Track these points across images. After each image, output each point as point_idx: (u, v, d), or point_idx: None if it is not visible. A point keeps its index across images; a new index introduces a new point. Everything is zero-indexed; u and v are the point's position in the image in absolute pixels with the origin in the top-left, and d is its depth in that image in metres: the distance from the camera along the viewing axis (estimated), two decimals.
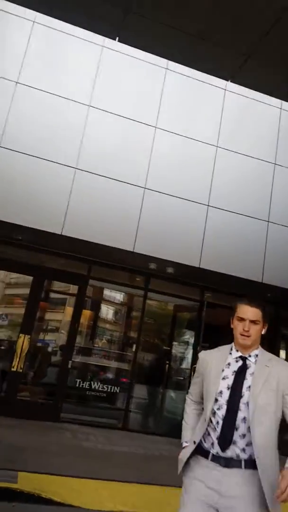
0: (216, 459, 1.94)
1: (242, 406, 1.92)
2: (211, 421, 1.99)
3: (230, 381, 1.99)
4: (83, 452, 5.28)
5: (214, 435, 1.97)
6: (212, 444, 1.97)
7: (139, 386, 7.41)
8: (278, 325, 8.12)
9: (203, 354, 2.23)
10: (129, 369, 7.33)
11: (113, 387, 7.12)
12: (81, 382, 6.92)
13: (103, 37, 6.74)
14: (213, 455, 1.95)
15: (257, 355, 2.05)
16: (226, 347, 2.14)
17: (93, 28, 3.72)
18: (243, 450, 1.90)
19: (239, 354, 2.05)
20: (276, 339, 8.26)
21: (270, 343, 8.06)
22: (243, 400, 1.93)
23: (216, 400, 1.97)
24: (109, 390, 7.05)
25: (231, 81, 4.07)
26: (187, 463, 2.04)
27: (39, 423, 6.19)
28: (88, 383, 6.97)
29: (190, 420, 2.23)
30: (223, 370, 2.02)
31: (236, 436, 1.91)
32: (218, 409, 1.97)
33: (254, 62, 3.83)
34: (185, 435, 2.20)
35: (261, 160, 7.33)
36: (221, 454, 1.92)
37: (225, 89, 7.40)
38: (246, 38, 3.63)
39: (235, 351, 2.08)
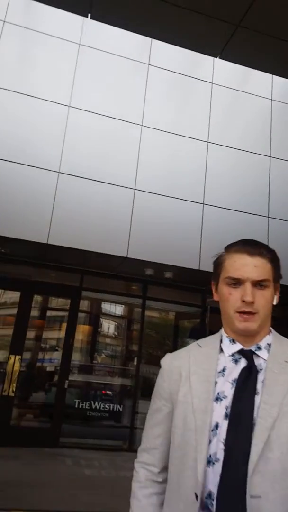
0: None
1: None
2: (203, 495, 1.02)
3: (229, 401, 1.05)
4: (85, 481, 4.77)
5: None
6: None
7: (144, 402, 6.89)
8: None
9: (168, 359, 1.24)
10: (132, 385, 6.83)
11: (115, 405, 6.62)
12: (80, 402, 6.42)
13: (79, 35, 6.44)
14: None
15: (269, 345, 1.13)
16: (210, 340, 1.21)
17: (61, 4, 3.34)
18: None
19: (238, 347, 1.12)
20: None
21: None
22: None
23: (210, 442, 1.03)
24: (111, 408, 6.54)
25: (219, 57, 3.68)
26: None
27: (36, 450, 5.67)
28: (88, 402, 6.47)
29: None
30: (215, 383, 1.09)
31: None
32: (210, 462, 1.02)
33: (243, 32, 3.45)
34: None
35: (256, 153, 6.95)
36: None
37: (211, 83, 7.06)
38: (235, 5, 3.25)
39: (229, 342, 1.14)
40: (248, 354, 1.11)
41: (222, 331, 1.19)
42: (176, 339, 8.04)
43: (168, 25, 3.48)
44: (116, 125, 6.23)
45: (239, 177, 6.74)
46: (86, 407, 6.44)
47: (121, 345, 8.00)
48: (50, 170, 5.71)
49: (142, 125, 6.39)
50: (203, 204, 6.38)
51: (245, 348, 1.12)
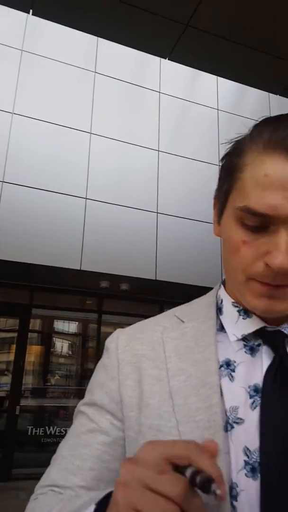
0: None
1: None
2: None
3: (251, 433, 0.53)
4: None
5: None
6: None
7: None
8: None
9: (124, 340, 0.67)
10: None
11: None
12: (34, 428, 5.95)
13: (21, 40, 6.17)
14: None
15: None
16: (199, 307, 0.68)
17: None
18: None
19: (257, 324, 0.60)
20: None
21: None
22: None
23: None
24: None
25: (168, 59, 3.58)
26: None
27: None
28: (43, 428, 6.01)
29: None
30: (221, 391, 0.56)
31: None
32: None
33: (192, 33, 3.38)
34: None
35: (206, 162, 6.96)
36: None
37: (159, 92, 7.03)
38: (183, 4, 3.16)
39: (238, 315, 0.62)
40: (277, 339, 0.58)
41: (221, 290, 0.67)
42: None
43: (115, 23, 3.34)
44: (63, 132, 6.00)
45: (190, 185, 6.70)
46: (41, 433, 5.98)
47: (76, 364, 7.61)
48: None
49: (91, 133, 6.20)
50: (157, 213, 6.26)
51: (270, 327, 0.59)
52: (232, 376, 0.58)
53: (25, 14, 5.95)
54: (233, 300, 0.63)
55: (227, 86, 7.30)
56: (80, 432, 0.64)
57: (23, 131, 5.72)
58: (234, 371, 0.58)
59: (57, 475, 0.62)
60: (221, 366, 0.59)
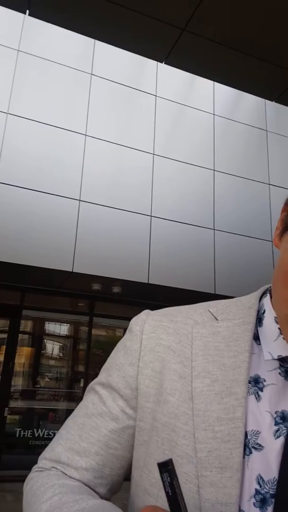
0: None
1: None
2: None
3: (269, 460, 0.49)
4: None
5: None
6: None
7: None
8: None
9: (150, 325, 0.64)
10: None
11: None
12: (22, 430, 5.90)
13: (18, 41, 6.15)
14: None
15: None
16: (237, 307, 0.62)
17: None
18: None
19: None
20: None
21: None
22: None
23: None
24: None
25: (165, 63, 3.58)
26: None
27: None
28: (31, 430, 5.96)
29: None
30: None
31: None
32: None
33: (189, 37, 3.39)
34: None
35: (200, 167, 6.98)
36: None
37: (155, 95, 7.04)
38: (180, 9, 3.17)
39: (279, 333, 0.55)
40: None
41: (266, 299, 0.60)
42: None
43: (112, 26, 3.34)
44: (58, 134, 5.98)
45: (185, 189, 6.71)
46: (29, 435, 5.93)
47: (66, 366, 7.56)
48: None
49: (86, 135, 6.19)
50: (151, 216, 6.25)
51: None
52: (258, 396, 0.52)
53: (22, 15, 5.94)
54: (275, 314, 0.56)
55: (223, 91, 7.33)
56: (91, 413, 0.63)
57: (17, 131, 5.69)
58: (262, 390, 0.53)
59: (62, 452, 0.63)
60: (248, 381, 0.53)
